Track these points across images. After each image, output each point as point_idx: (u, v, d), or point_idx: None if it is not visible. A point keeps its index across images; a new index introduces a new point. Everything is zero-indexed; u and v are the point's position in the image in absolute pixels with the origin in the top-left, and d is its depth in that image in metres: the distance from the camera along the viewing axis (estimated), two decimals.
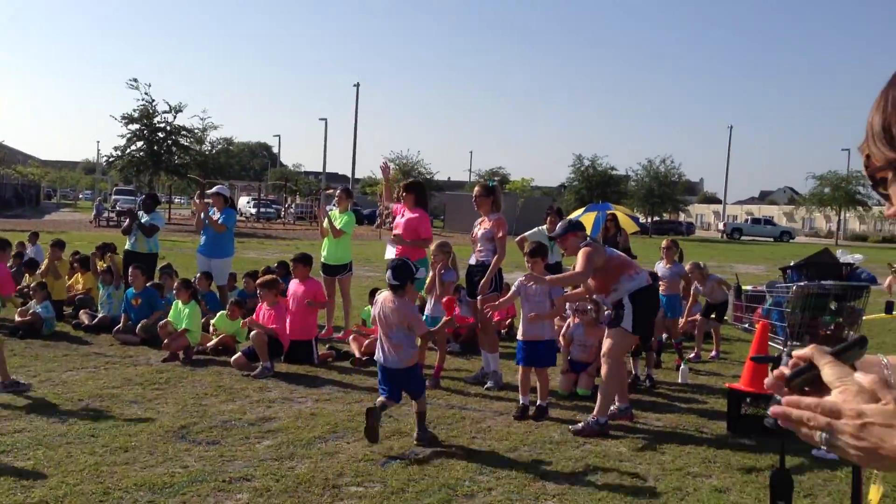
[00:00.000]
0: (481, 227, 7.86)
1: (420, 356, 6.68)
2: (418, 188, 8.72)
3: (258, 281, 8.76)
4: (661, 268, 9.17)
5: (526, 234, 10.13)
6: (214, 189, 11.12)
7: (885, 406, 1.04)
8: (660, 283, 8.34)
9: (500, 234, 7.65)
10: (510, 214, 44.41)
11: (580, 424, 6.16)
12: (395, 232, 8.43)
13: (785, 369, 1.22)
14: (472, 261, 7.89)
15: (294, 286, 8.73)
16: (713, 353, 9.35)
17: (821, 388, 1.14)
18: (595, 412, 6.16)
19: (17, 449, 5.20)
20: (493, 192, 7.88)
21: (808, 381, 1.15)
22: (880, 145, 1.14)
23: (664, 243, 9.56)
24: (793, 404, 1.11)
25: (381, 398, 5.79)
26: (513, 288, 6.87)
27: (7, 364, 6.92)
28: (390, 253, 8.44)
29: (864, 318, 7.19)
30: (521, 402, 6.60)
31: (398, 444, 5.63)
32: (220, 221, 10.50)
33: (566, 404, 7.03)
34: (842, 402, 1.07)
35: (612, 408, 6.37)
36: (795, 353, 1.22)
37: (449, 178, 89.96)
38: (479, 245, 7.82)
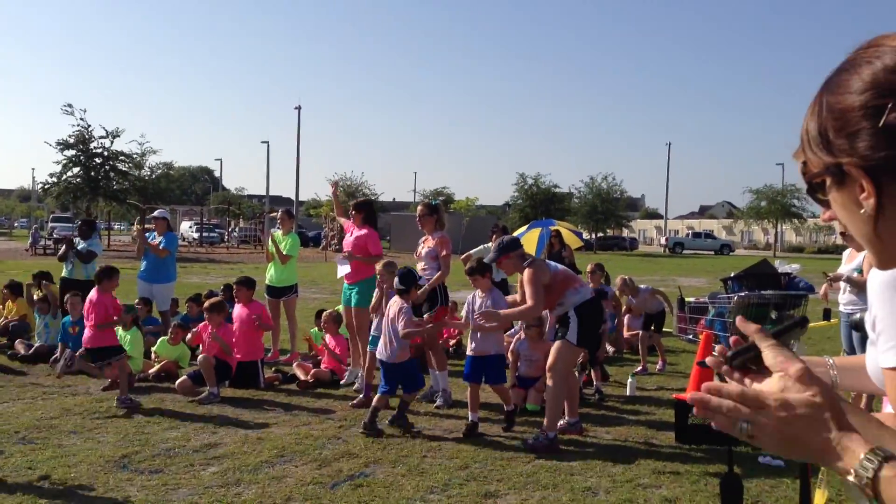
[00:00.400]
0: (425, 245, 7.87)
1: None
2: (367, 207, 8.71)
3: (206, 304, 8.57)
4: None
5: (471, 251, 10.17)
6: (156, 213, 10.92)
7: (812, 398, 1.05)
8: None
9: (444, 253, 7.68)
10: (455, 233, 44.69)
11: (530, 439, 6.16)
12: (345, 250, 8.38)
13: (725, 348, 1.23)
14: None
15: (238, 310, 8.58)
16: (659, 364, 9.46)
17: (762, 369, 1.14)
18: (544, 427, 6.15)
19: None
20: (436, 210, 7.92)
21: (751, 360, 1.15)
22: (817, 150, 1.15)
23: (588, 267, 9.70)
24: (713, 391, 1.07)
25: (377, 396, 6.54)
26: (464, 310, 6.95)
27: None
28: (342, 272, 8.38)
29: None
30: (470, 419, 6.55)
31: (347, 466, 5.55)
32: (161, 246, 10.31)
33: (516, 420, 7.01)
34: (768, 393, 1.07)
35: (561, 422, 6.38)
36: (740, 321, 1.21)
37: (394, 198, 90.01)
38: (422, 263, 7.83)
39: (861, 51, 1.12)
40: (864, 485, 0.98)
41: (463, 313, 7.28)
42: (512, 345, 8.04)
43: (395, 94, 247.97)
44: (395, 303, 6.77)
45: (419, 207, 8.03)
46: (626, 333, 9.95)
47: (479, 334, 6.61)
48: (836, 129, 1.11)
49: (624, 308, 9.89)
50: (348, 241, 8.43)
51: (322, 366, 8.59)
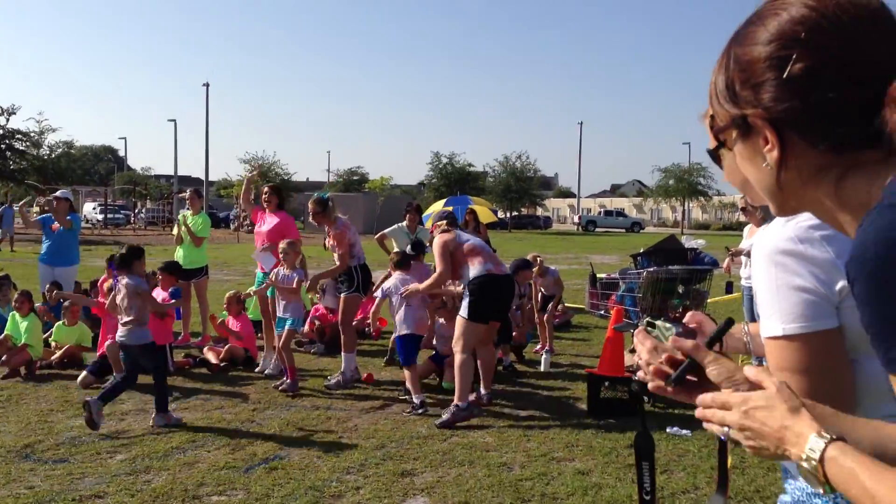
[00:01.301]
0: (330, 240, 7.76)
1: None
2: (280, 191, 8.55)
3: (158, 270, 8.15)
4: None
5: (385, 231, 10.12)
6: (57, 193, 10.46)
7: (765, 391, 1.07)
8: None
9: (341, 252, 7.59)
10: (370, 213, 44.57)
11: (443, 416, 6.20)
12: (265, 243, 8.14)
13: (643, 343, 1.27)
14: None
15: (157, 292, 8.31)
16: (545, 346, 9.32)
17: (703, 377, 1.18)
18: (455, 399, 6.24)
19: None
20: (325, 205, 7.70)
21: (691, 374, 1.21)
22: (724, 103, 1.16)
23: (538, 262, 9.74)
24: (706, 404, 1.14)
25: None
26: (378, 294, 7.05)
27: None
28: (267, 263, 8.04)
29: (708, 299, 7.60)
30: (416, 400, 6.55)
31: (261, 450, 5.46)
32: (58, 227, 9.88)
33: (433, 398, 7.04)
34: (728, 395, 1.10)
35: (473, 396, 6.49)
36: (673, 341, 1.25)
37: (307, 178, 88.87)
38: (335, 255, 7.68)
39: (769, 3, 1.13)
40: (813, 468, 1.00)
41: (378, 294, 7.40)
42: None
43: (307, 71, 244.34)
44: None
45: (310, 205, 7.82)
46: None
47: (401, 317, 6.74)
48: (742, 81, 1.12)
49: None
50: (263, 230, 8.24)
51: (231, 343, 8.41)
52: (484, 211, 13.36)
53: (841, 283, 1.33)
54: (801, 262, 1.37)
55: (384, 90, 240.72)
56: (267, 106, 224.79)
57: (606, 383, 6.47)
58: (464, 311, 6.34)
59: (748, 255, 6.93)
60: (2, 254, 24.16)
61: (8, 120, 40.75)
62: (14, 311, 8.31)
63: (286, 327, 7.16)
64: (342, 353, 7.59)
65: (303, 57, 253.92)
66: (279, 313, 7.39)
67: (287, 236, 7.95)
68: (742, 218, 9.03)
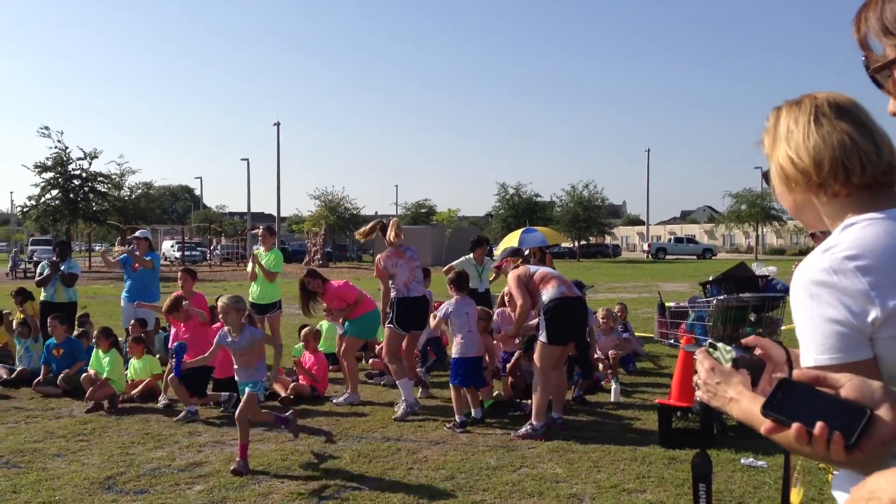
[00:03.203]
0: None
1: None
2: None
3: (164, 307, 8.51)
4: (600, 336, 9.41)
5: (453, 263, 10.22)
6: (137, 233, 10.91)
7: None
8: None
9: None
10: (438, 245, 44.81)
11: (519, 430, 6.62)
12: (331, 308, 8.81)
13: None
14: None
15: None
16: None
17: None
18: (532, 418, 6.66)
19: None
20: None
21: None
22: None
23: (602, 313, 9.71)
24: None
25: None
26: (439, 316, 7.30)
27: None
28: (341, 330, 8.78)
29: (782, 327, 7.44)
30: (458, 419, 6.93)
31: (333, 481, 5.55)
32: (139, 265, 10.29)
33: (497, 429, 7.03)
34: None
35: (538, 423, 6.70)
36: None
37: (376, 212, 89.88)
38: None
39: None
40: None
41: (435, 320, 7.78)
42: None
43: (374, 106, 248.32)
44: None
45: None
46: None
47: (460, 339, 7.07)
48: None
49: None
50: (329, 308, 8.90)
51: (301, 380, 8.57)
52: (551, 233, 13.35)
53: (874, 314, 1.33)
54: (834, 293, 1.37)
55: (450, 123, 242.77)
56: (335, 142, 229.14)
57: (678, 413, 6.37)
58: (542, 335, 6.63)
59: None
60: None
61: (91, 163, 42.49)
62: (96, 348, 8.65)
63: (247, 391, 6.12)
64: (401, 383, 7.69)
65: (369, 93, 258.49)
66: (236, 377, 6.40)
67: (347, 300, 8.55)
68: (812, 244, 8.83)
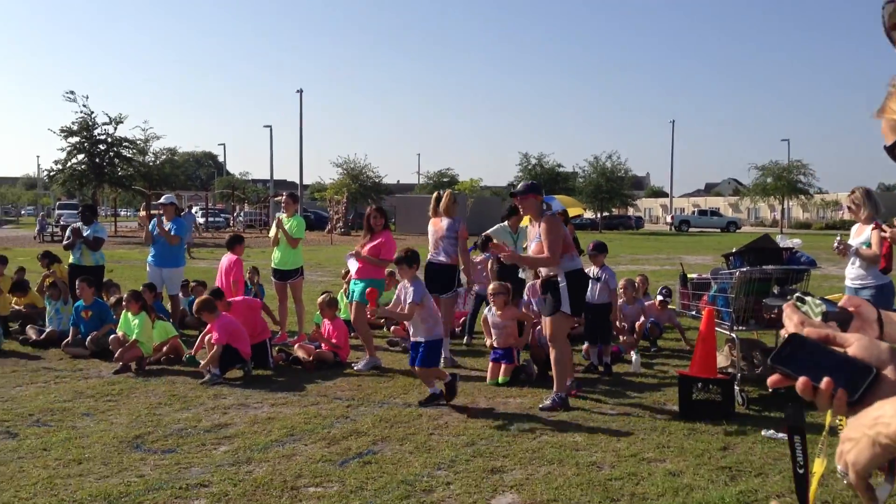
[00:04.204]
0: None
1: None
2: (385, 213, 9.21)
3: (194, 307, 8.58)
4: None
5: (489, 231, 10.24)
6: (163, 199, 11.01)
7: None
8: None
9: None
10: (460, 215, 44.69)
11: (546, 402, 6.62)
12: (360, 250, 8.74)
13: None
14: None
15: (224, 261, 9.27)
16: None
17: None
18: (555, 388, 6.68)
19: None
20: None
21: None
22: None
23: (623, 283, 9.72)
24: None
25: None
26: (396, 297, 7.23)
27: None
28: (352, 267, 8.82)
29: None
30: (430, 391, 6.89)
31: (355, 444, 5.64)
32: (171, 232, 10.40)
33: (517, 397, 7.09)
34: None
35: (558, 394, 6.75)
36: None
37: (398, 180, 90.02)
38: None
39: None
40: None
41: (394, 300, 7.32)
42: (483, 314, 8.44)
43: (396, 75, 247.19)
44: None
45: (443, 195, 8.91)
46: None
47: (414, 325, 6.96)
48: None
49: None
50: (367, 245, 8.75)
51: (323, 348, 8.67)
52: (571, 202, 13.28)
53: None
54: None
55: (473, 92, 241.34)
56: (358, 110, 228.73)
57: (699, 385, 6.38)
58: (565, 306, 6.55)
59: (856, 253, 6.70)
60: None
61: (116, 129, 42.66)
62: (126, 311, 8.78)
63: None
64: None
65: (392, 61, 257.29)
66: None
67: (381, 253, 8.60)
68: (847, 216, 8.73)
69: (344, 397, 7.06)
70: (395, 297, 7.09)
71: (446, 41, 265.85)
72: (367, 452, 5.46)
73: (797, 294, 1.39)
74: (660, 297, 9.86)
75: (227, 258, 10.05)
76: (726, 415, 6.30)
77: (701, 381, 6.38)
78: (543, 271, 6.76)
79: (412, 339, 6.95)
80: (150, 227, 10.62)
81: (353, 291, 8.64)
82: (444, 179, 69.71)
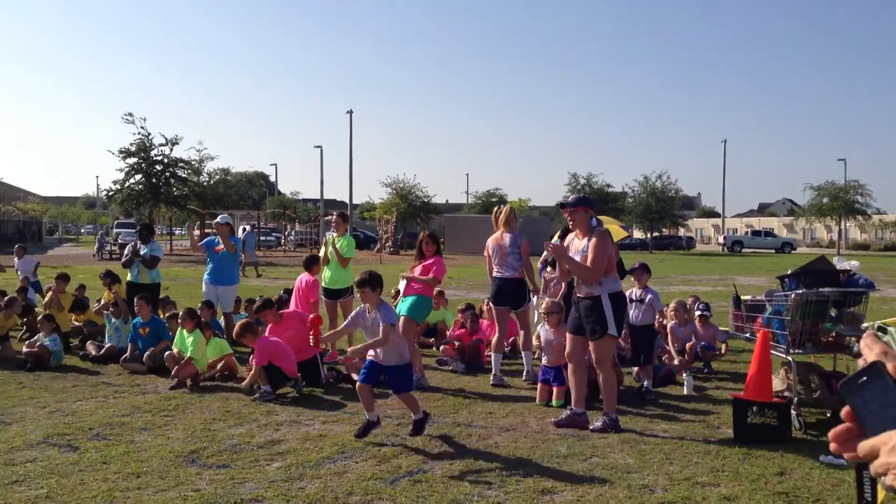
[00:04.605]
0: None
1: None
2: (437, 239, 9.35)
3: (235, 332, 8.71)
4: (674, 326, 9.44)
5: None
6: (218, 219, 11.23)
7: None
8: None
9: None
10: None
11: (597, 423, 6.58)
12: (410, 274, 8.85)
13: None
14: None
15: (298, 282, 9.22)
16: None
17: None
18: (605, 410, 6.65)
19: (31, 478, 5.25)
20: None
21: None
22: None
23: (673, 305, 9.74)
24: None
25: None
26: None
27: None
28: (402, 285, 9.07)
29: (864, 323, 7.24)
30: (367, 418, 6.33)
31: (406, 463, 5.67)
32: (222, 248, 10.62)
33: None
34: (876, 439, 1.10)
35: (567, 412, 6.83)
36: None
37: (447, 200, 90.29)
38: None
39: None
40: None
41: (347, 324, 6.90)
42: (536, 332, 8.44)
43: (446, 95, 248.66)
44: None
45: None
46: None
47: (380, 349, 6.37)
48: None
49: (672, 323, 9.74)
50: (417, 268, 8.87)
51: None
52: (615, 228, 13.20)
53: None
54: None
55: (522, 112, 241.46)
56: (407, 130, 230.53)
57: (754, 408, 6.28)
58: (611, 328, 6.56)
59: None
60: (247, 278, 25.72)
61: (172, 149, 43.70)
62: (181, 328, 8.97)
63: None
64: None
65: (441, 81, 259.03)
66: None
67: (430, 272, 8.72)
68: None
69: (394, 415, 7.10)
70: (347, 322, 6.73)
71: (495, 61, 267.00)
72: (417, 471, 5.48)
73: (876, 324, 1.36)
74: (698, 313, 9.72)
75: (303, 278, 10.17)
76: (783, 439, 6.19)
77: (756, 404, 6.28)
78: (581, 292, 6.70)
79: (382, 363, 6.32)
80: (205, 241, 10.94)
81: (401, 308, 8.69)
82: (493, 199, 69.78)
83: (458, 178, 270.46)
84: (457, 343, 9.84)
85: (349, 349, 7.06)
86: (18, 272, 14.85)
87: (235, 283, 10.98)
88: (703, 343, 9.38)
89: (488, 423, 6.85)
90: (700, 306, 10.01)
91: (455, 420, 6.98)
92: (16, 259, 15.34)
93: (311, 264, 10.31)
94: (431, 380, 8.59)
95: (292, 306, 9.93)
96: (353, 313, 6.66)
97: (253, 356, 8.13)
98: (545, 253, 8.62)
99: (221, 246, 10.65)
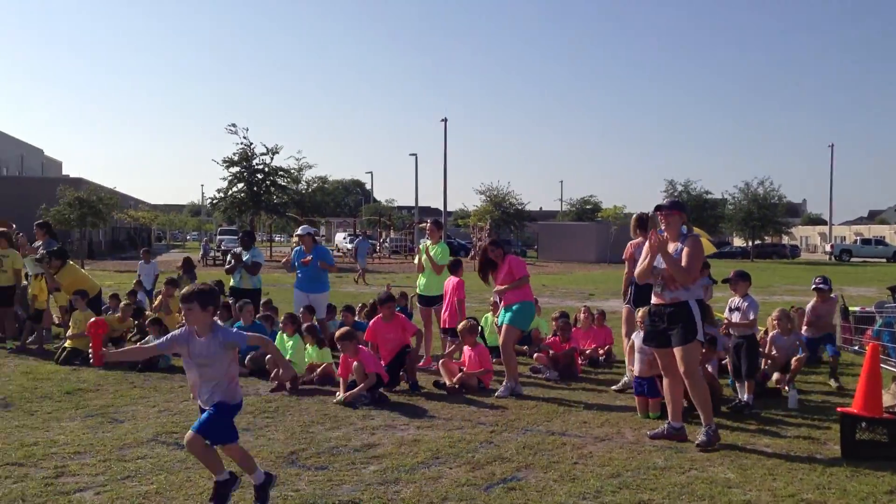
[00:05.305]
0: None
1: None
2: (501, 245, 9.21)
3: (336, 335, 8.86)
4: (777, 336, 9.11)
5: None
6: (299, 230, 11.43)
7: None
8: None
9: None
10: (603, 243, 44.12)
11: (699, 439, 6.34)
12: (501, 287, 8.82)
13: None
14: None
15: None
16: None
17: None
18: (704, 421, 6.43)
19: (141, 474, 5.51)
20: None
21: None
22: None
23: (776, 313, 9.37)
24: None
25: None
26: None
27: (69, 399, 7.28)
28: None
29: None
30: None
31: (500, 470, 5.67)
32: (310, 258, 10.76)
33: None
34: None
35: (657, 430, 6.68)
36: None
37: (540, 207, 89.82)
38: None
39: None
40: None
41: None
42: (630, 340, 8.18)
43: (540, 102, 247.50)
44: None
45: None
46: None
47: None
48: None
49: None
50: (498, 278, 8.87)
51: (466, 369, 8.77)
52: (705, 241, 12.87)
53: None
54: None
55: (616, 118, 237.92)
56: (501, 138, 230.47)
57: (863, 424, 6.01)
58: (700, 333, 6.41)
59: None
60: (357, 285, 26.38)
61: (272, 158, 45.14)
62: (281, 332, 9.24)
63: None
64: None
65: (535, 89, 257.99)
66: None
67: (514, 274, 8.71)
68: None
69: (487, 422, 7.12)
70: (160, 342, 5.10)
71: (589, 68, 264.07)
72: (511, 479, 5.48)
73: None
74: (815, 287, 9.29)
75: (450, 281, 10.30)
76: (893, 457, 5.90)
77: (866, 420, 6.01)
78: (664, 299, 6.53)
79: (204, 406, 4.86)
80: (293, 255, 11.13)
81: (503, 318, 8.71)
82: (587, 206, 69.07)
83: (552, 186, 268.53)
84: (550, 352, 9.78)
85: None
86: (140, 275, 15.74)
87: (326, 290, 11.19)
88: (829, 349, 9.00)
89: (583, 433, 6.78)
90: (817, 280, 9.60)
91: (549, 429, 6.94)
92: (141, 262, 16.34)
93: (456, 268, 10.51)
94: (525, 388, 8.57)
95: (444, 307, 10.21)
96: (171, 334, 5.03)
97: (339, 369, 8.30)
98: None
99: (309, 257, 10.80)
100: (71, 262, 11.53)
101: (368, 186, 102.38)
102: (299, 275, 11.06)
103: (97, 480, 5.34)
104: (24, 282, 11.76)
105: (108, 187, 49.41)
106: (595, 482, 5.40)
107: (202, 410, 4.85)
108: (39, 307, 11.36)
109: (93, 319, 4.45)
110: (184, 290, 4.85)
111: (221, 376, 4.77)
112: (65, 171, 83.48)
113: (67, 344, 10.24)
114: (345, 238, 57.15)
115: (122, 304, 11.67)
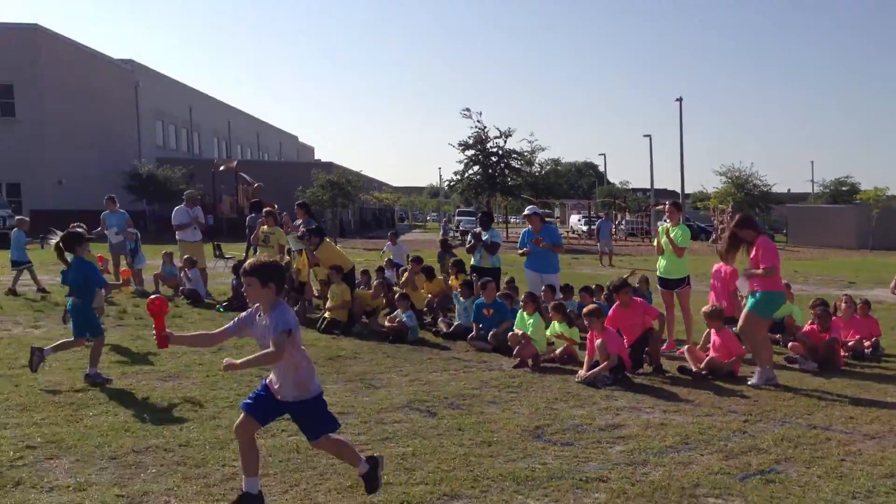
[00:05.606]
0: None
1: None
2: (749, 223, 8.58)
3: (584, 311, 8.80)
4: None
5: None
6: (527, 210, 11.50)
7: None
8: None
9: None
10: (864, 227, 40.27)
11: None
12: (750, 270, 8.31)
13: None
14: None
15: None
16: None
17: None
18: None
19: (398, 437, 5.85)
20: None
21: None
22: None
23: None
24: None
25: None
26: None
27: (331, 364, 7.89)
28: (743, 288, 8.62)
29: None
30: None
31: (756, 461, 5.39)
32: (542, 239, 10.82)
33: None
34: None
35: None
36: None
37: (789, 189, 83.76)
38: None
39: None
40: None
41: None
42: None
43: (783, 79, 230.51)
44: None
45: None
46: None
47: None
48: None
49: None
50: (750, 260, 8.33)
51: (713, 355, 8.40)
52: None
53: None
54: None
55: (874, 90, 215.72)
56: (743, 116, 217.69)
57: None
58: None
59: None
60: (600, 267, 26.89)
61: (506, 141, 45.78)
62: (521, 311, 9.38)
63: None
64: None
65: (776, 66, 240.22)
66: None
67: (763, 264, 8.09)
68: None
69: (739, 411, 6.79)
70: (228, 327, 4.60)
71: (841, 39, 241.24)
72: (769, 470, 5.18)
73: None
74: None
75: (722, 268, 10.05)
76: None
77: None
78: None
79: (277, 396, 4.47)
80: (522, 235, 11.30)
81: (749, 300, 8.25)
82: (843, 188, 63.44)
83: (802, 166, 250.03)
84: (807, 342, 9.11)
85: (224, 361, 4.44)
86: (392, 255, 16.89)
87: (557, 271, 11.26)
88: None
89: (850, 429, 6.27)
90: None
91: (810, 422, 6.48)
92: (389, 243, 17.55)
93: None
94: (780, 377, 8.05)
95: (711, 294, 10.02)
96: (238, 317, 4.60)
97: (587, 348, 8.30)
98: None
99: (541, 238, 10.87)
100: (327, 240, 12.45)
101: (602, 168, 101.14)
102: (530, 256, 11.18)
103: (359, 440, 5.73)
104: (287, 257, 12.85)
105: (354, 170, 52.60)
106: (866, 481, 4.97)
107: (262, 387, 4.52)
108: (302, 280, 12.41)
109: (152, 296, 4.31)
110: (244, 265, 4.58)
111: (285, 362, 4.34)
112: (316, 156, 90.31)
113: (327, 315, 11.08)
114: (579, 220, 56.86)
115: (374, 283, 12.43)
